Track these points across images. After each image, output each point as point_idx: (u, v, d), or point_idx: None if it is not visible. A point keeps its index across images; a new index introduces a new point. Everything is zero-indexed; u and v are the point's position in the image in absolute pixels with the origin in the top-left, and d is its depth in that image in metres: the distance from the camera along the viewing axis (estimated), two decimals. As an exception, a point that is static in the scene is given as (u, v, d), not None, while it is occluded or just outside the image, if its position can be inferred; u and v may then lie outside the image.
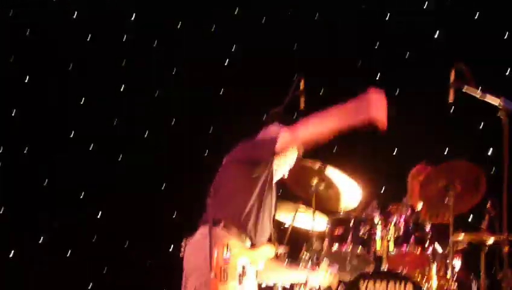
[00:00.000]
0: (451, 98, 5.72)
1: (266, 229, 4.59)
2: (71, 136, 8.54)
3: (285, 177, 4.81)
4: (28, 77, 8.25)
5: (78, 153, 8.47)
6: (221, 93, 8.74)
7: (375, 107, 4.34)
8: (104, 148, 8.61)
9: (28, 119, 8.28)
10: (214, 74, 8.57)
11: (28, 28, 8.28)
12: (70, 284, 8.27)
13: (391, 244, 6.62)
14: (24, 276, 7.84)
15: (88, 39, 8.47)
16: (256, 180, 4.61)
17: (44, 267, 8.02)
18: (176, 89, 8.57)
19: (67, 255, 8.47)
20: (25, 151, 8.26)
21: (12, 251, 8.05)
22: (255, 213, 4.56)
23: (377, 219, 6.69)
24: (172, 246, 8.10)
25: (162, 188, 8.82)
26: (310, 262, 6.98)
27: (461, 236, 6.64)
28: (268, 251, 4.56)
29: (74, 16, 8.39)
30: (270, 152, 4.57)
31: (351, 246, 6.72)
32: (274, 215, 4.70)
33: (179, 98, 8.64)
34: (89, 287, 8.60)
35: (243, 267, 4.45)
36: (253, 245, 4.57)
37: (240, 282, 4.42)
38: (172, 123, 8.84)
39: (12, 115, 8.29)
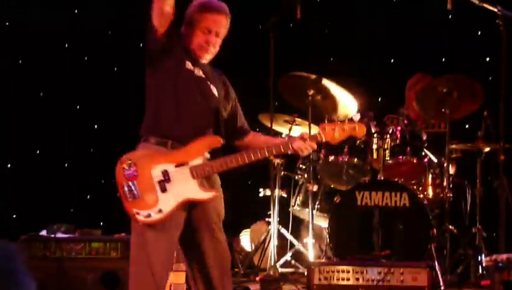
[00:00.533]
0: (449, 5, 5.68)
1: (196, 122, 4.24)
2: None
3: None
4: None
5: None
6: None
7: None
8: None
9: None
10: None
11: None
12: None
13: (387, 154, 6.65)
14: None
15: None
16: (156, 75, 4.31)
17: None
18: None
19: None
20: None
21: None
22: (171, 111, 4.26)
23: (373, 129, 6.70)
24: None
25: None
26: (306, 174, 7.05)
27: (457, 144, 6.67)
28: (203, 143, 4.21)
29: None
30: (149, 33, 4.36)
31: (347, 157, 6.75)
32: (214, 104, 4.32)
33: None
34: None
35: (164, 172, 4.17)
36: (181, 144, 4.23)
37: (164, 189, 4.17)
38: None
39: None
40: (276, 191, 6.88)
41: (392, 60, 8.45)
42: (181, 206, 4.19)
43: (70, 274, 5.79)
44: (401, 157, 6.64)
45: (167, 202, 4.17)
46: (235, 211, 8.42)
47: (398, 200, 6.23)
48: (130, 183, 4.20)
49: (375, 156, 6.71)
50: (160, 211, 4.16)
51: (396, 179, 6.58)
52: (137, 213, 4.17)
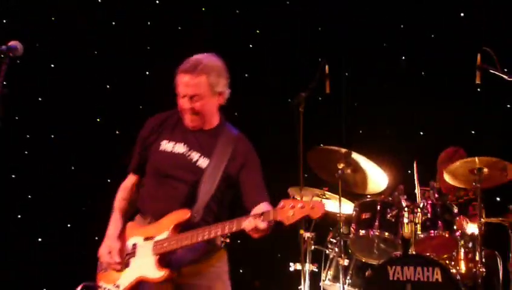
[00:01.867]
0: (478, 80, 5.70)
1: (168, 202, 4.13)
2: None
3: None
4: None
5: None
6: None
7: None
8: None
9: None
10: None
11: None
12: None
13: (419, 228, 6.59)
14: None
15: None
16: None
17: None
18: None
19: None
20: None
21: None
22: (151, 189, 4.24)
23: (404, 203, 6.67)
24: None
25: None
26: (337, 248, 7.00)
27: (488, 218, 6.61)
28: (172, 217, 4.06)
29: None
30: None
31: (378, 230, 6.69)
32: (194, 176, 4.16)
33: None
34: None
35: (133, 246, 4.15)
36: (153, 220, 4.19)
37: (127, 264, 4.13)
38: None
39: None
40: (307, 265, 6.81)
41: (422, 133, 8.45)
42: (137, 284, 4.09)
43: None
44: (432, 231, 6.57)
45: (125, 279, 4.14)
46: (266, 285, 8.46)
47: (430, 275, 6.14)
48: (105, 253, 4.21)
49: (406, 230, 6.66)
50: (117, 286, 4.14)
51: (428, 254, 6.51)
52: (100, 287, 4.19)
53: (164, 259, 4.08)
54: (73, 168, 8.01)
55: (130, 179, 4.45)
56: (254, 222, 3.88)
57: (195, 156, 4.22)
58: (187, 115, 4.23)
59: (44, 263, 7.57)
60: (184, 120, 4.26)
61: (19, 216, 7.78)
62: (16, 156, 7.60)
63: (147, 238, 4.14)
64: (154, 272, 4.05)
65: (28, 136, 7.91)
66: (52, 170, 7.79)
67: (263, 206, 4.12)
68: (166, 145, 4.26)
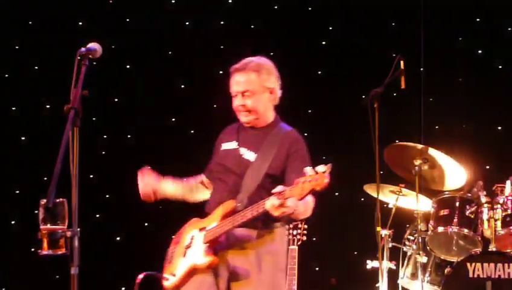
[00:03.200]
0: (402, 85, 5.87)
1: (220, 193, 4.42)
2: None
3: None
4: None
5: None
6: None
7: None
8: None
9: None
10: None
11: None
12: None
13: (499, 224, 6.48)
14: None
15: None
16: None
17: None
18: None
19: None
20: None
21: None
22: (211, 194, 4.59)
23: (483, 199, 6.57)
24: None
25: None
26: (415, 245, 6.93)
27: None
28: (220, 209, 4.34)
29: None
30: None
31: (457, 227, 6.61)
32: (242, 168, 4.42)
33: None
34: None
35: (191, 238, 4.41)
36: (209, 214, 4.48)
37: (184, 254, 4.39)
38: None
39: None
40: (384, 263, 6.77)
41: (500, 128, 8.31)
42: (191, 271, 4.33)
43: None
44: (512, 227, 6.47)
45: (180, 268, 4.40)
46: (343, 283, 8.42)
47: (511, 272, 6.06)
48: (172, 247, 4.57)
49: (486, 226, 6.55)
50: (174, 275, 4.40)
51: (509, 250, 6.40)
52: (164, 278, 4.47)
53: (212, 246, 4.30)
54: (149, 167, 8.09)
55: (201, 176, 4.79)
56: (271, 200, 4.04)
57: (243, 150, 4.44)
58: (241, 113, 4.44)
59: (123, 260, 7.69)
60: (239, 119, 4.49)
61: (97, 215, 7.90)
62: (94, 156, 7.71)
63: (201, 229, 4.40)
64: (201, 259, 4.30)
65: (105, 136, 8.02)
66: (130, 169, 7.87)
67: None
68: (223, 146, 4.56)
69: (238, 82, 4.35)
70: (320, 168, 3.93)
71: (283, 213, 4.10)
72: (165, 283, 4.44)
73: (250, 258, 4.37)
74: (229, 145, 4.51)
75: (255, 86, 4.34)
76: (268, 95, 4.45)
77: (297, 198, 3.98)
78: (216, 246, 4.32)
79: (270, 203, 4.04)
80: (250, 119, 4.44)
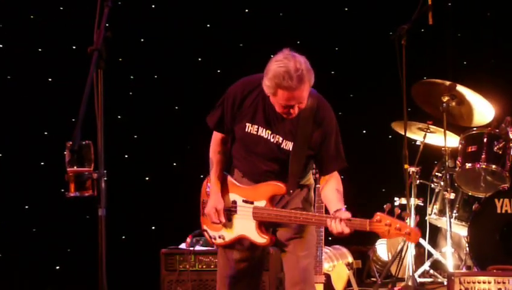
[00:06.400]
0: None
1: (261, 175, 4.34)
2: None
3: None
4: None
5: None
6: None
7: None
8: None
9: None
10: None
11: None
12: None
13: (527, 160, 6.46)
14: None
15: None
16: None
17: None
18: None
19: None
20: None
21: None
22: (243, 157, 4.42)
23: (511, 135, 6.53)
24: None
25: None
26: (442, 181, 6.92)
27: None
28: (269, 188, 4.30)
29: None
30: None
31: (485, 163, 6.59)
32: (275, 154, 4.29)
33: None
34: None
35: (233, 202, 4.41)
36: (250, 180, 4.40)
37: (229, 218, 4.41)
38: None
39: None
40: (412, 200, 6.78)
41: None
42: (238, 239, 4.42)
43: (209, 286, 5.90)
44: (542, 163, 6.45)
45: (229, 232, 4.45)
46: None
47: (539, 207, 6.06)
48: (205, 199, 4.55)
49: (514, 162, 6.54)
50: (221, 237, 4.47)
51: (538, 185, 6.39)
52: (206, 231, 4.52)
53: (264, 226, 4.36)
54: (176, 108, 8.10)
55: (218, 134, 4.57)
56: (341, 226, 4.06)
57: (279, 140, 4.31)
58: (287, 117, 4.22)
59: (151, 199, 7.74)
60: (279, 112, 4.23)
61: (126, 156, 7.93)
62: (121, 97, 7.72)
63: (245, 201, 4.39)
64: (257, 237, 4.35)
65: (131, 77, 8.01)
66: (157, 109, 7.89)
67: (331, 192, 4.36)
68: (250, 128, 4.35)
69: (291, 98, 4.06)
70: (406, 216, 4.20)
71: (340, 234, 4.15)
72: (213, 241, 4.52)
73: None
74: (260, 131, 4.32)
75: (304, 97, 4.11)
76: None
77: (381, 236, 4.11)
78: (266, 226, 4.37)
79: (338, 229, 4.08)
80: (293, 116, 4.25)
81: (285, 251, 4.45)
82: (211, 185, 4.51)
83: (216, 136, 4.57)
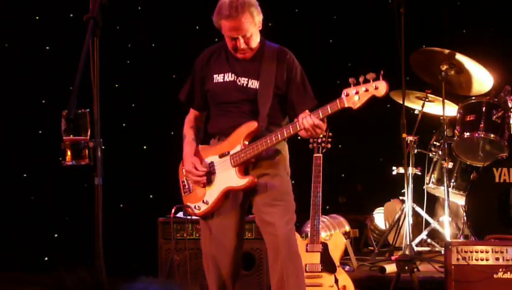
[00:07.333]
0: None
1: (234, 120, 4.43)
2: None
3: None
4: None
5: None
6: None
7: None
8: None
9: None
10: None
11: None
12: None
13: (526, 128, 6.46)
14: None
15: None
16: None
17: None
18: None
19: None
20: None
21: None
22: (217, 119, 4.56)
23: (510, 104, 6.51)
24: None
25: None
26: (440, 151, 6.91)
27: None
28: (241, 130, 4.38)
29: None
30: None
31: (483, 132, 6.58)
32: (248, 95, 4.43)
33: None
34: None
35: (211, 164, 4.48)
36: (225, 137, 4.49)
37: (210, 181, 4.48)
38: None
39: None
40: (410, 169, 6.79)
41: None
42: (224, 195, 4.45)
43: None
44: (540, 131, 6.44)
45: (212, 193, 4.48)
46: (368, 189, 8.47)
47: (539, 176, 6.06)
48: (185, 179, 4.62)
49: (512, 131, 6.53)
50: (206, 202, 4.50)
51: (536, 154, 6.38)
52: (188, 207, 4.57)
53: (243, 168, 4.42)
54: (174, 76, 8.06)
55: (193, 112, 4.75)
56: (311, 119, 4.15)
57: (244, 81, 4.47)
58: (238, 52, 4.43)
59: (148, 168, 7.74)
60: (235, 55, 4.46)
61: (123, 125, 7.91)
62: (119, 65, 7.68)
63: (222, 155, 4.47)
64: (238, 181, 4.39)
65: (129, 45, 7.97)
66: (154, 78, 7.86)
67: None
68: (218, 78, 4.53)
69: (233, 28, 4.33)
70: (370, 76, 4.06)
71: (316, 134, 4.24)
72: (196, 211, 4.54)
73: (268, 171, 4.47)
74: (225, 77, 4.51)
75: (250, 26, 4.33)
76: (259, 25, 4.45)
77: (354, 107, 4.09)
78: (245, 167, 4.43)
79: (309, 122, 4.15)
80: (248, 54, 4.45)
81: (262, 220, 4.44)
82: (184, 150, 4.62)
83: (190, 115, 4.73)
